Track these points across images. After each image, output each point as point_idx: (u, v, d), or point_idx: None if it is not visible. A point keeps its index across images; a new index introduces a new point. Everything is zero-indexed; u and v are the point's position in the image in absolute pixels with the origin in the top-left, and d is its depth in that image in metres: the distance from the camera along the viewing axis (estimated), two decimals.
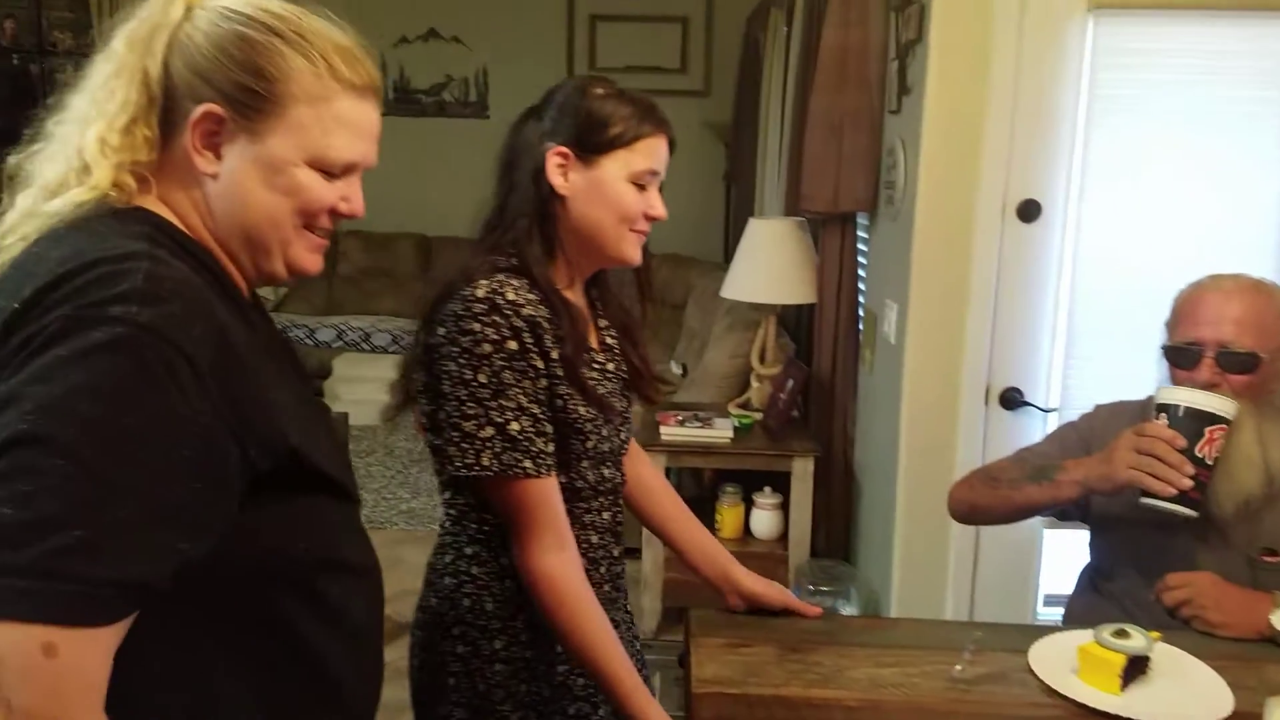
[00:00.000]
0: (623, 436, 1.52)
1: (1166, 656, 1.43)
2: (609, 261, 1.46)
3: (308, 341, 5.92)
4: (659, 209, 1.42)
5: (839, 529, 3.19)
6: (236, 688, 0.95)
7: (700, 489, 3.58)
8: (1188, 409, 1.56)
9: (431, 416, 1.38)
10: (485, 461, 1.30)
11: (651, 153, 1.40)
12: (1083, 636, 1.43)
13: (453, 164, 6.49)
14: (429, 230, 6.53)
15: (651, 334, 1.60)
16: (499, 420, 1.30)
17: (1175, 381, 1.64)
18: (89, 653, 0.79)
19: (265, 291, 5.48)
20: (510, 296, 1.32)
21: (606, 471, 1.47)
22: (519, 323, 1.31)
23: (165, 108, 0.95)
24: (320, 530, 0.99)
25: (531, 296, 1.34)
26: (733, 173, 5.65)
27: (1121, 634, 1.39)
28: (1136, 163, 2.37)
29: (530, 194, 1.40)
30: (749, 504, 3.29)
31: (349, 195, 1.01)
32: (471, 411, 1.30)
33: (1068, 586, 1.94)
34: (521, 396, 1.31)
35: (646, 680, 1.45)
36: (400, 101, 6.44)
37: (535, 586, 1.34)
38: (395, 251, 6.48)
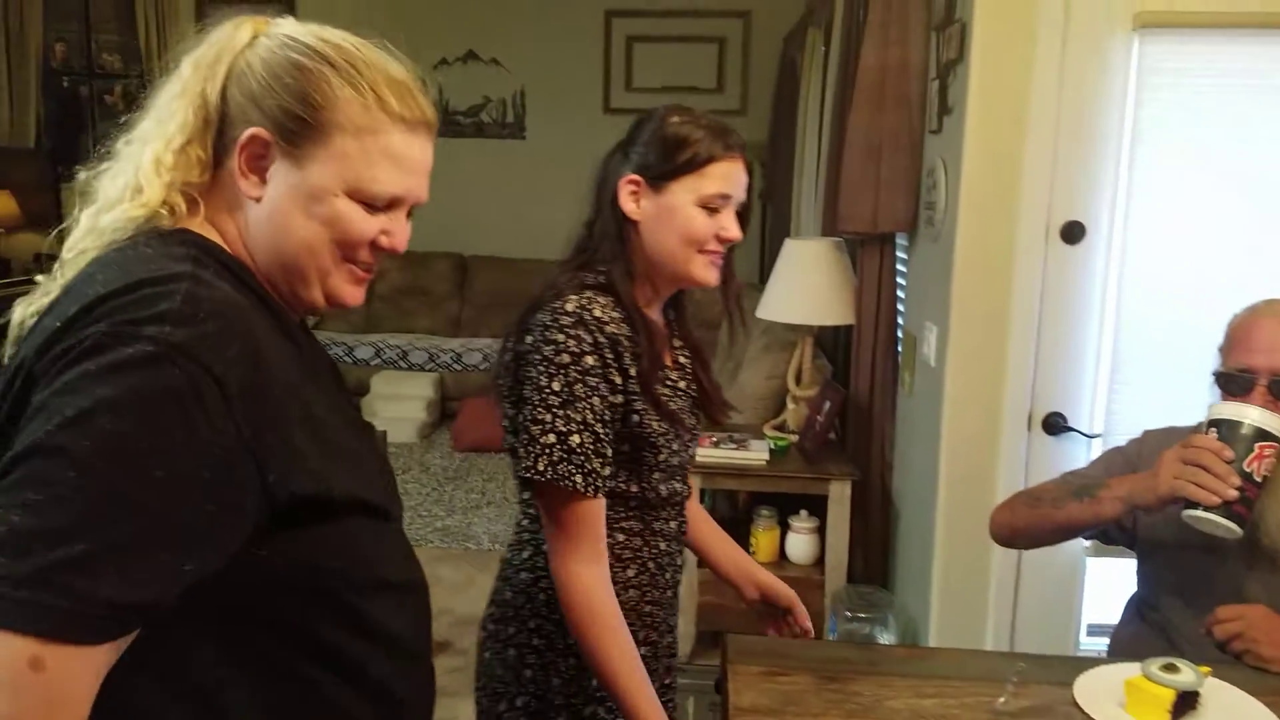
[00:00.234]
0: (690, 451, 1.58)
1: (1217, 692, 1.39)
2: (684, 282, 1.51)
3: (346, 359, 5.99)
4: (732, 231, 1.46)
5: (876, 554, 3.14)
6: (280, 712, 0.95)
7: (735, 512, 3.55)
8: (1237, 423, 1.53)
9: (513, 420, 1.44)
10: (541, 466, 1.36)
11: (722, 177, 1.44)
12: (1130, 670, 1.39)
13: (490, 184, 6.56)
14: (466, 249, 6.61)
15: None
16: (562, 429, 1.36)
17: None
18: (77, 670, 0.78)
19: None
20: (596, 313, 1.39)
21: (676, 484, 1.54)
22: (601, 339, 1.38)
23: (219, 131, 0.97)
24: (355, 550, 0.98)
25: (615, 314, 1.41)
26: (769, 192, 5.64)
27: (1170, 668, 1.36)
28: (1183, 183, 2.33)
29: (610, 219, 1.48)
30: (784, 528, 3.25)
31: (390, 230, 1.00)
32: (541, 417, 1.37)
33: (1112, 616, 1.90)
34: (588, 412, 1.37)
35: (672, 691, 1.55)
36: (439, 123, 6.53)
37: (568, 596, 1.38)
38: (432, 270, 6.53)
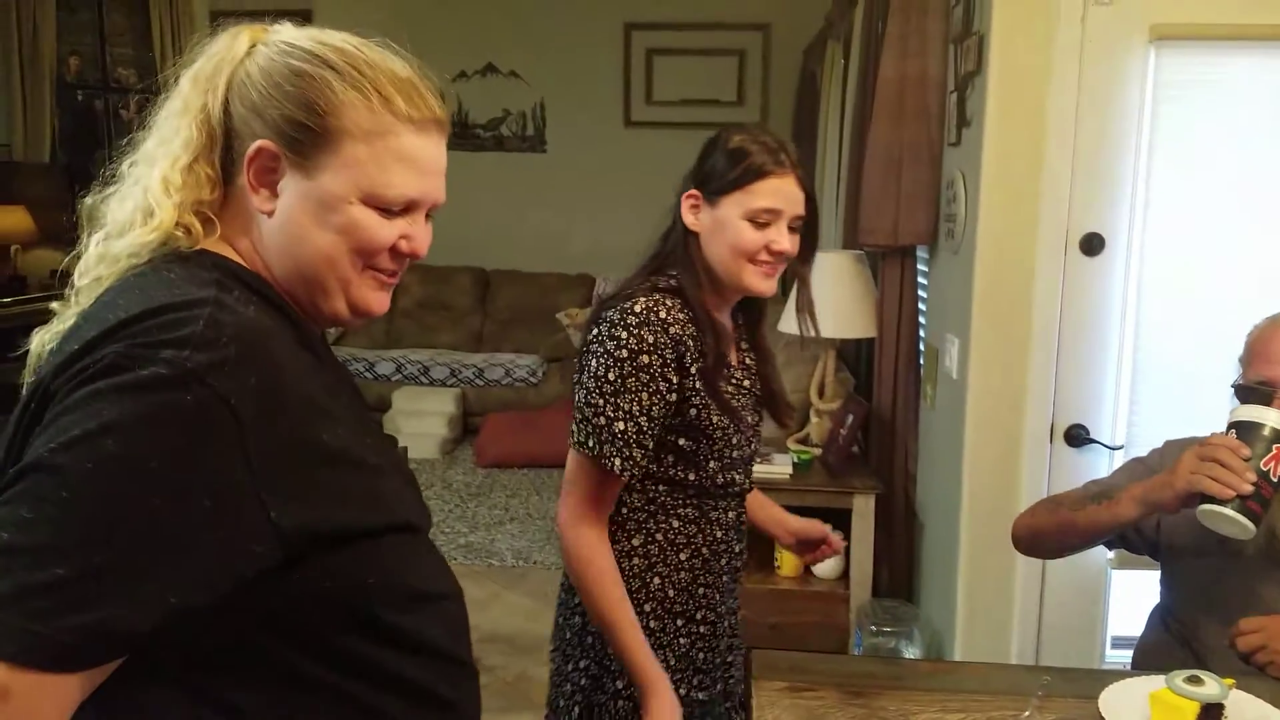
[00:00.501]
0: (753, 448, 1.68)
1: (1242, 704, 1.39)
2: (739, 291, 1.60)
3: (367, 375, 6.00)
4: (781, 244, 1.55)
5: (901, 568, 3.14)
6: None
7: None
8: (1257, 424, 1.53)
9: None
10: (590, 443, 1.51)
11: (770, 193, 1.53)
12: (1154, 683, 1.39)
13: (511, 197, 6.58)
14: (487, 264, 6.61)
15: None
16: (610, 414, 1.50)
17: None
18: (44, 699, 0.75)
19: None
20: (662, 315, 1.51)
21: (736, 476, 1.64)
22: (664, 339, 1.50)
23: (226, 146, 0.94)
24: (385, 568, 0.96)
25: (681, 316, 1.53)
26: None
27: (1195, 680, 1.35)
28: (1200, 194, 2.33)
29: (677, 230, 1.61)
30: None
31: (410, 234, 0.98)
32: (594, 400, 1.51)
33: (1136, 628, 1.90)
34: (636, 405, 1.50)
35: (733, 668, 1.70)
36: (458, 136, 6.57)
37: (575, 548, 1.55)
38: (454, 285, 6.54)
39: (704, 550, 1.63)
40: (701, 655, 1.64)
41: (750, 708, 1.42)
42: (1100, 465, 2.37)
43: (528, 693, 3.09)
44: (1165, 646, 1.74)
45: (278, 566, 0.84)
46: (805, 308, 1.74)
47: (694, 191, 1.58)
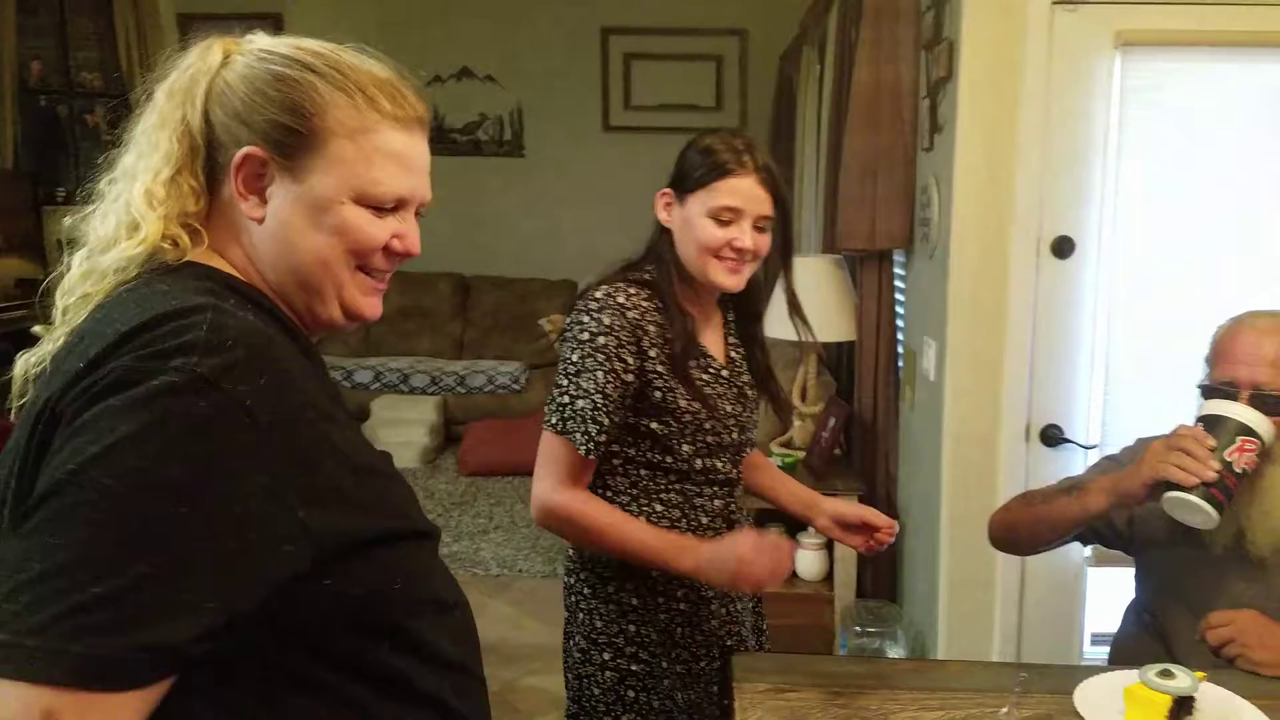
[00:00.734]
0: (735, 436, 1.73)
1: (1213, 697, 1.42)
2: (707, 285, 1.68)
3: (345, 383, 5.91)
4: (743, 241, 1.62)
5: (885, 569, 3.17)
6: None
7: None
8: (1223, 417, 1.58)
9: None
10: (554, 419, 1.62)
11: (731, 191, 1.62)
12: (1128, 677, 1.42)
13: (489, 202, 6.54)
14: (466, 270, 6.55)
15: None
16: (572, 393, 1.61)
17: None
18: (97, 718, 0.74)
19: None
20: (621, 300, 1.62)
21: (719, 464, 1.71)
22: (621, 322, 1.60)
23: (209, 157, 0.94)
24: (403, 573, 0.96)
25: (644, 303, 1.64)
26: None
27: (1167, 674, 1.39)
28: (1166, 197, 2.38)
29: (655, 229, 1.71)
30: (794, 545, 3.28)
31: (402, 233, 0.99)
32: (560, 381, 1.63)
33: (1114, 625, 1.93)
34: (593, 384, 1.59)
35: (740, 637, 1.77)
36: (435, 140, 6.40)
37: (549, 519, 1.65)
38: (433, 291, 6.46)
39: (690, 536, 1.68)
40: (680, 630, 1.71)
41: (732, 711, 1.44)
42: (1075, 464, 2.40)
43: (513, 702, 3.10)
44: (1140, 641, 1.77)
45: (308, 571, 0.84)
46: (795, 310, 1.83)
47: (667, 190, 1.69)
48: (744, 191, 1.62)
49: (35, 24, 5.79)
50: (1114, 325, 2.42)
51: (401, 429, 5.59)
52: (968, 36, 2.39)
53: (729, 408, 1.72)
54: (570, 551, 1.79)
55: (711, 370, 1.71)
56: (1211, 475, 1.53)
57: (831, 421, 3.24)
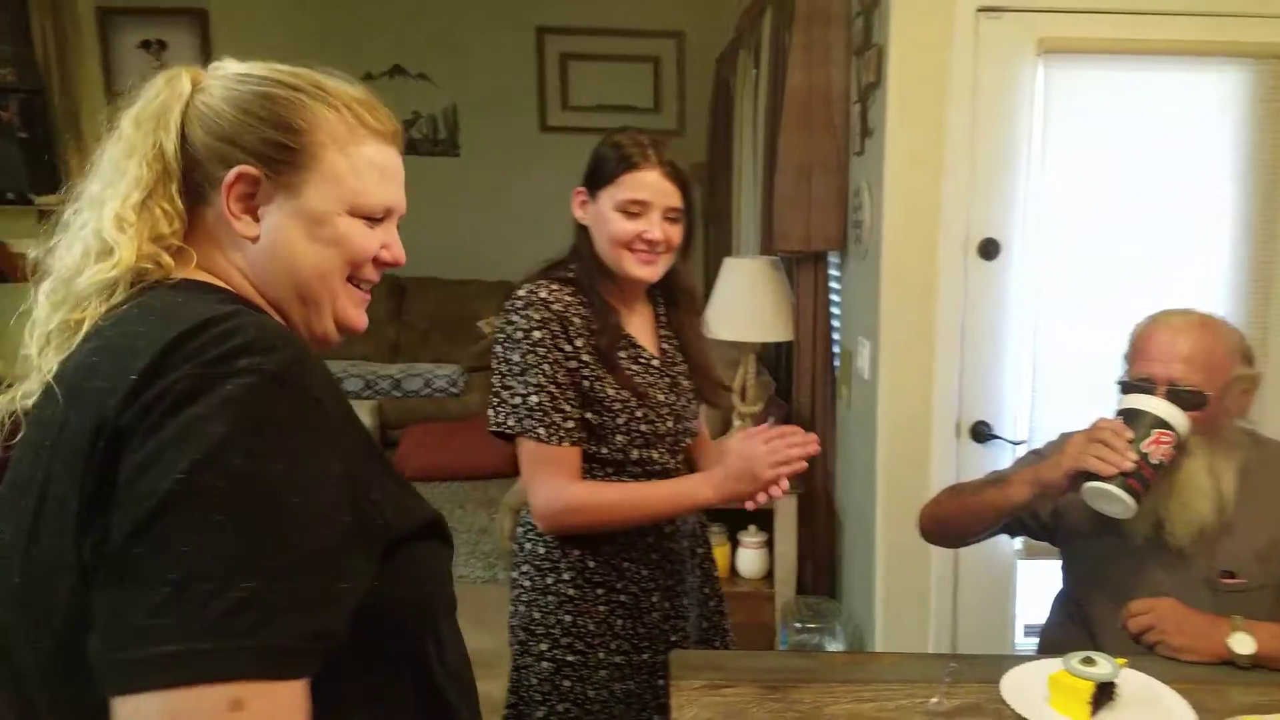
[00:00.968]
0: (670, 425, 1.77)
1: (1133, 682, 1.48)
2: (625, 278, 1.73)
3: None
4: (652, 233, 1.69)
5: (824, 565, 3.21)
6: None
7: None
8: (1141, 411, 1.64)
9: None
10: (511, 422, 1.65)
11: (634, 185, 1.68)
12: (1053, 665, 1.47)
13: (424, 202, 6.37)
14: (402, 272, 6.40)
15: None
16: (523, 392, 1.64)
17: None
18: (279, 706, 0.77)
19: None
20: (543, 295, 1.67)
21: (655, 455, 1.75)
22: (548, 315, 1.65)
23: (187, 179, 0.95)
24: (436, 572, 0.98)
25: (567, 297, 1.68)
26: (710, 211, 5.70)
27: (1089, 661, 1.44)
28: (1089, 200, 2.45)
29: (575, 227, 1.77)
30: (735, 543, 3.32)
31: (389, 242, 1.03)
32: (506, 384, 1.66)
33: (1045, 616, 1.98)
34: (541, 376, 1.63)
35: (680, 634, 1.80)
36: None
37: (559, 521, 1.68)
38: None
39: (631, 529, 1.73)
40: (620, 622, 1.74)
41: (669, 709, 1.46)
42: (1004, 460, 2.45)
43: None
44: (1066, 631, 1.83)
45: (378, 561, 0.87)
46: (691, 300, 1.87)
47: (581, 189, 1.75)
48: (650, 184, 1.68)
49: None
50: (1039, 324, 2.49)
51: None
52: (896, 42, 2.44)
53: (662, 397, 1.76)
54: (514, 546, 1.82)
55: (642, 360, 1.76)
56: (1129, 465, 1.58)
57: (770, 421, 3.27)
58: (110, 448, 0.79)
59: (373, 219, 1.00)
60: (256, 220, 0.96)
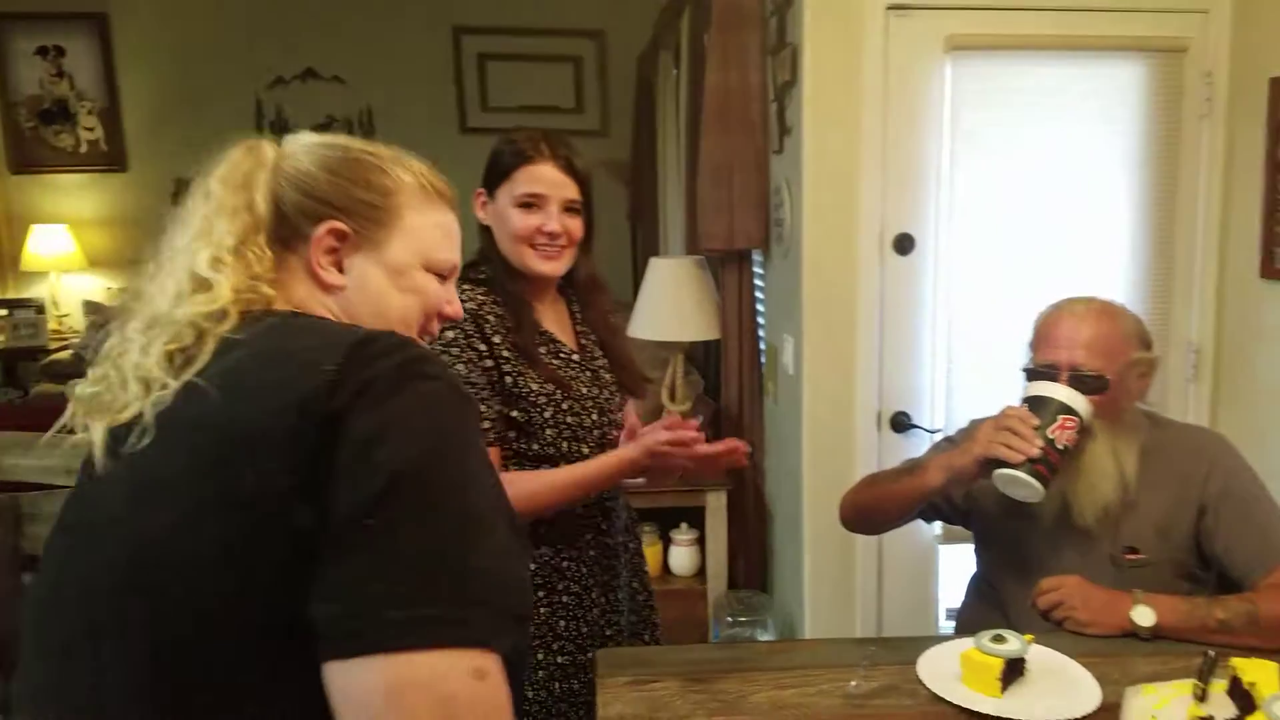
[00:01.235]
0: (595, 418, 1.78)
1: (1041, 657, 1.52)
2: (530, 273, 1.73)
3: None
4: (551, 226, 1.71)
5: (755, 559, 3.25)
6: None
7: None
8: (1045, 398, 1.69)
9: None
10: None
11: (529, 179, 1.70)
12: (965, 644, 1.51)
13: None
14: None
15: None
16: None
17: None
18: (502, 680, 0.82)
19: None
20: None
21: (585, 449, 1.75)
22: (463, 315, 1.59)
23: (275, 234, 1.03)
24: None
25: (480, 296, 1.69)
26: (635, 212, 5.72)
27: (999, 639, 1.48)
28: (997, 194, 2.51)
29: (478, 229, 1.76)
30: (667, 541, 3.34)
31: (451, 298, 1.14)
32: None
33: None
34: (455, 376, 1.53)
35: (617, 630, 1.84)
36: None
37: None
38: None
39: (562, 526, 1.74)
40: (563, 623, 1.75)
41: (595, 706, 1.48)
42: (923, 448, 2.50)
43: None
44: (980, 611, 1.88)
45: None
46: (593, 290, 1.88)
47: (480, 190, 1.77)
48: (545, 177, 1.70)
49: None
50: (953, 316, 2.55)
51: None
52: (809, 41, 2.47)
53: (585, 390, 1.78)
54: None
55: (562, 355, 1.78)
56: (1035, 452, 1.64)
57: (699, 419, 3.30)
58: (325, 431, 0.83)
59: (441, 275, 1.11)
60: (340, 271, 1.05)
